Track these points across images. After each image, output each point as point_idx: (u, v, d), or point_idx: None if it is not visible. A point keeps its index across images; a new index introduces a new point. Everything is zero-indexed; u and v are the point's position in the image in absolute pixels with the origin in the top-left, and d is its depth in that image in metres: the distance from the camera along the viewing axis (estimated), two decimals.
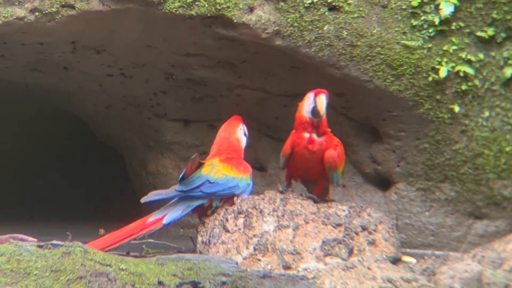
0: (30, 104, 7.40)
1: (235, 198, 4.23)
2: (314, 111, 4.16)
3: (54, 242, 3.16)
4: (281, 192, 4.23)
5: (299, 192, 4.31)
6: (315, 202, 4.18)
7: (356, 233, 4.00)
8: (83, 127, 7.36)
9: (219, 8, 4.78)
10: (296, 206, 4.11)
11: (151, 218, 4.24)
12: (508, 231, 5.00)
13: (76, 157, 9.06)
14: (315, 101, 4.16)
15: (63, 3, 4.70)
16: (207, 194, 4.25)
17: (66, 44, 5.14)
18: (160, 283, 3.04)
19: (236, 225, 4.07)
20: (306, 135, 4.21)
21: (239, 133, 4.67)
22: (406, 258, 4.14)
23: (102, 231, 4.80)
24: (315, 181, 4.34)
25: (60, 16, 4.72)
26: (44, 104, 7.23)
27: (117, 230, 4.22)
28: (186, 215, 4.35)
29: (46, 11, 4.70)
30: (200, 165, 4.34)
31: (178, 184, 4.27)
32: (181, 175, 4.27)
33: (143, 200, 4.25)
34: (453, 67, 5.00)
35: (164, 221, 4.22)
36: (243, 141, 4.68)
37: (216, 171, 4.31)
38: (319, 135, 4.21)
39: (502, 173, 5.10)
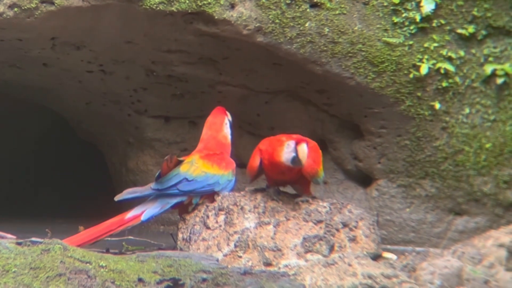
0: (8, 100, 7.33)
1: (215, 195, 4.22)
2: (295, 160, 3.95)
3: (33, 239, 3.13)
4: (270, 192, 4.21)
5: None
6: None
7: (337, 230, 4.00)
8: (63, 123, 7.31)
9: (200, 4, 4.76)
10: (277, 203, 4.11)
11: (129, 214, 4.22)
12: (488, 227, 5.03)
13: (55, 154, 8.99)
14: (296, 150, 3.93)
15: None
16: (184, 192, 4.23)
17: (45, 40, 5.09)
18: (140, 280, 3.03)
19: (217, 222, 4.06)
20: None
21: (226, 128, 4.63)
22: (386, 254, 4.15)
23: (81, 228, 4.77)
24: (297, 183, 4.28)
25: (39, 12, 4.69)
26: (23, 100, 7.17)
27: (95, 226, 4.19)
28: (165, 211, 4.33)
29: (25, 7, 4.66)
30: (179, 162, 4.31)
31: (154, 182, 4.24)
32: (157, 173, 4.25)
33: (117, 198, 4.22)
34: (434, 64, 5.02)
35: (143, 217, 4.20)
36: (229, 135, 4.65)
37: (195, 168, 4.28)
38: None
39: (482, 170, 5.13)
